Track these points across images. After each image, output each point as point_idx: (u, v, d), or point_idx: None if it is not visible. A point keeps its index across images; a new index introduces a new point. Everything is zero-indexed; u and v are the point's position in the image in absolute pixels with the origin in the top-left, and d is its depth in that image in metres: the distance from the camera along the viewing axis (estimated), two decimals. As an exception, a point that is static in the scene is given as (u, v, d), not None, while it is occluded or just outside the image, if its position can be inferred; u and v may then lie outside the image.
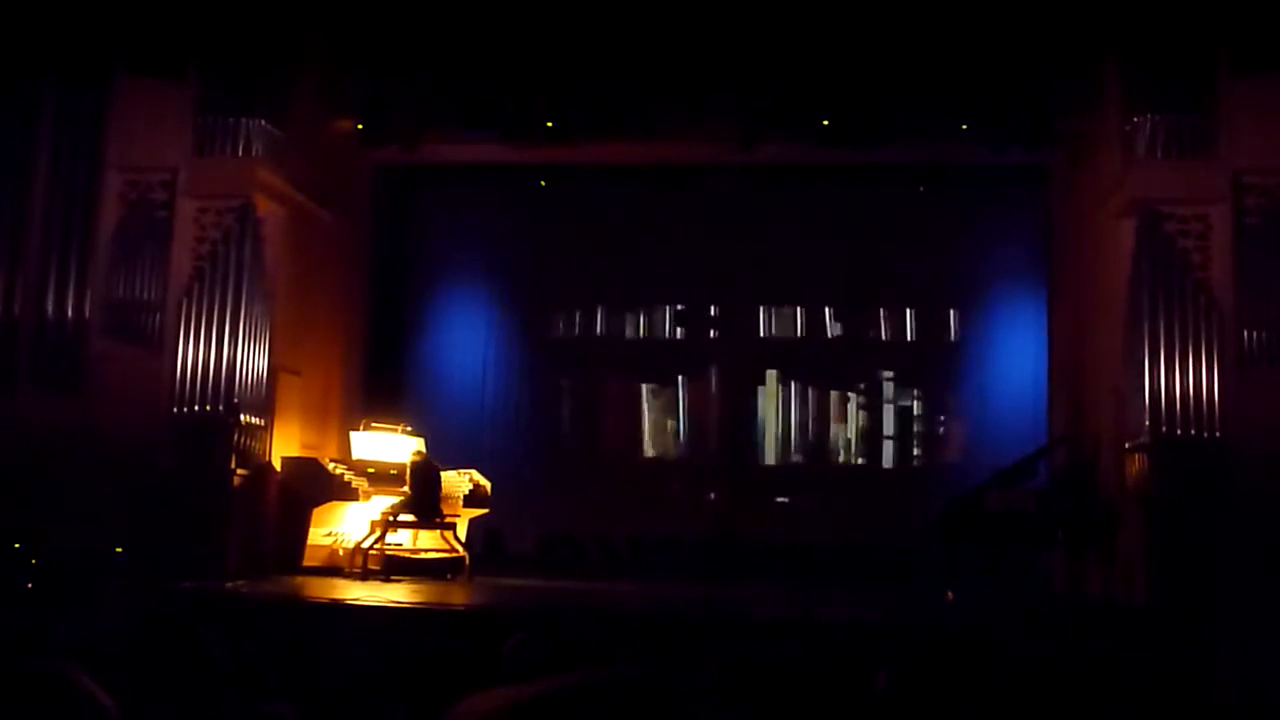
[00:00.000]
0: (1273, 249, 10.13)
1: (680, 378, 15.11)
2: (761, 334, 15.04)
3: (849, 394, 14.73)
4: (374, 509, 11.18)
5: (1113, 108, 10.92)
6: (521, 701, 1.11)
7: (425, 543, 11.56)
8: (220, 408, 10.73)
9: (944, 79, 11.75)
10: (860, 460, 14.61)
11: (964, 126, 11.94)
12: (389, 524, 10.89)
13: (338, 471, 11.51)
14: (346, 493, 11.41)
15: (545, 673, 1.18)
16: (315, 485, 11.49)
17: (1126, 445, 10.41)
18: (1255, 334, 10.12)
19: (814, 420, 14.75)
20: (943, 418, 14.53)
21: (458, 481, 11.83)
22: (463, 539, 11.58)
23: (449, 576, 11.13)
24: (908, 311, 14.75)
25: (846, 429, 14.72)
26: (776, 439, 14.84)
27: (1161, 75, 10.31)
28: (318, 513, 11.46)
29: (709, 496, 14.74)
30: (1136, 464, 10.25)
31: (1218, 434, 9.92)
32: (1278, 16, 10.12)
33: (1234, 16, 10.34)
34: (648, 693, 1.11)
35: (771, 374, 14.92)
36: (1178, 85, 10.29)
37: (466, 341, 15.11)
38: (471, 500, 11.96)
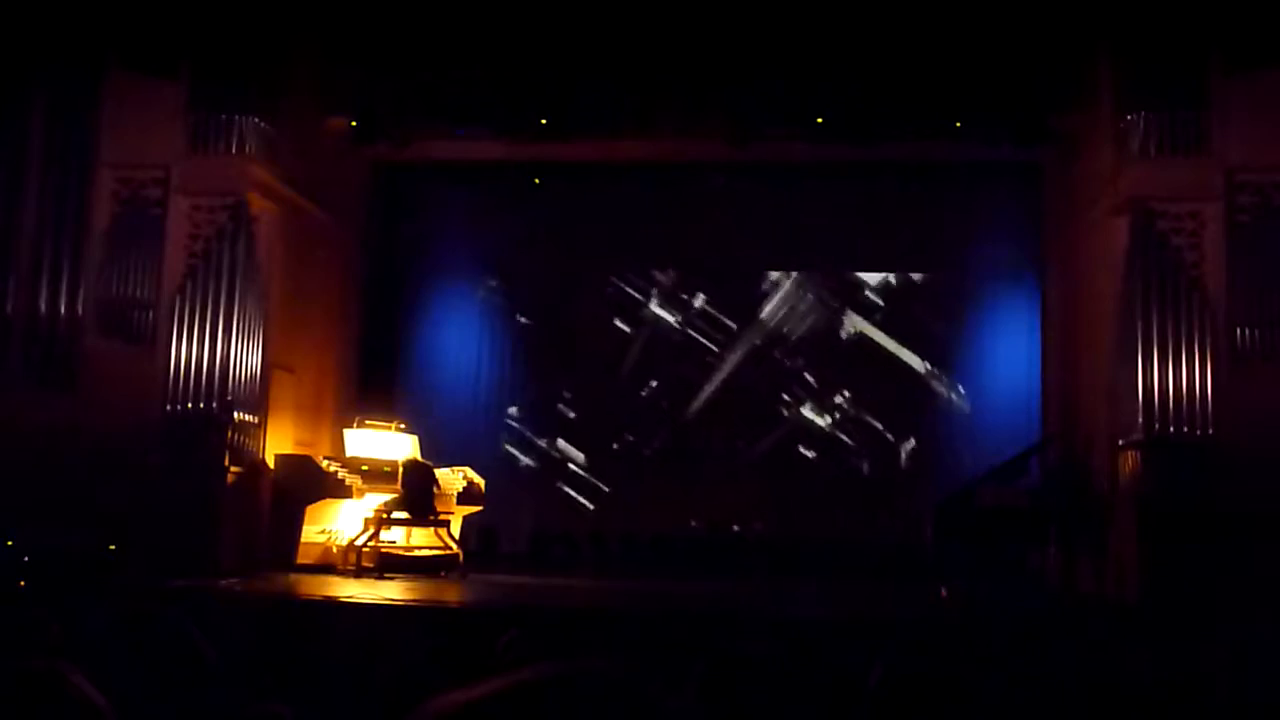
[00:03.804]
0: (1265, 247, 10.16)
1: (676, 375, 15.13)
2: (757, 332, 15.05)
3: (843, 390, 14.73)
4: (367, 506, 11.17)
5: (1106, 105, 10.93)
6: (481, 699, 1.11)
7: (419, 540, 11.55)
8: (214, 405, 10.73)
9: (938, 76, 11.76)
10: (854, 457, 14.62)
11: (957, 124, 11.95)
12: (383, 521, 10.89)
13: (331, 469, 11.50)
14: (340, 490, 11.41)
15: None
16: (309, 482, 11.48)
17: (1119, 442, 10.43)
18: (1247, 331, 10.15)
19: (810, 417, 14.76)
20: (936, 414, 14.52)
21: (451, 479, 11.83)
22: (456, 536, 11.58)
23: (443, 574, 11.13)
24: (902, 308, 14.75)
25: (842, 425, 14.72)
26: (772, 434, 14.84)
27: (1155, 73, 10.33)
28: (311, 510, 11.45)
29: (705, 490, 14.76)
30: (1129, 461, 10.27)
31: (1210, 431, 9.94)
32: (1270, 14, 10.14)
33: (1227, 14, 10.35)
34: (609, 686, 1.11)
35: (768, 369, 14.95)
36: (1171, 83, 10.30)
37: (460, 338, 15.10)
38: (465, 498, 11.97)
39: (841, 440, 14.66)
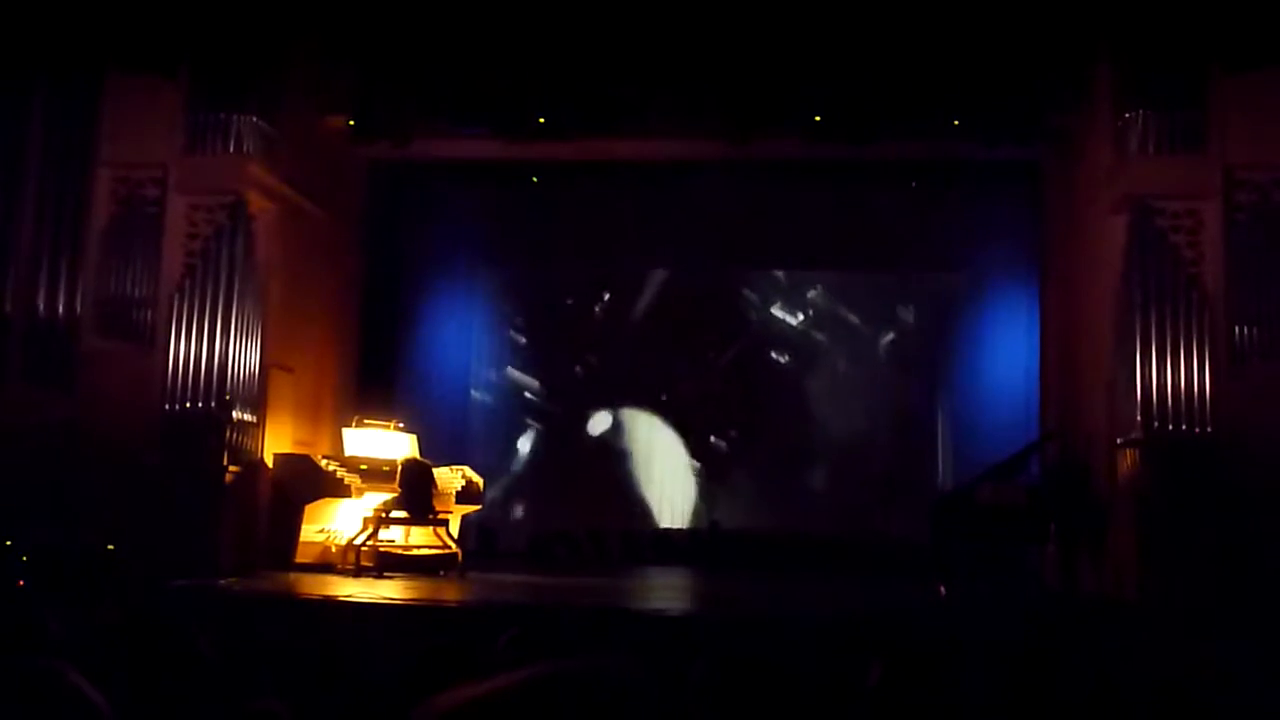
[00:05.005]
0: (1264, 244, 10.16)
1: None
2: (755, 329, 15.05)
3: (841, 388, 14.73)
4: (366, 505, 11.17)
5: (1105, 104, 10.93)
6: (484, 697, 1.11)
7: (418, 539, 11.55)
8: (212, 404, 10.72)
9: (937, 75, 11.76)
10: (854, 455, 14.61)
11: (956, 122, 11.95)
12: (381, 520, 10.89)
13: (330, 468, 11.50)
14: (339, 489, 11.40)
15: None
16: (307, 482, 11.47)
17: (1118, 440, 10.43)
18: (1246, 329, 10.15)
19: (807, 415, 14.75)
20: (935, 412, 14.53)
21: (450, 478, 11.83)
22: (455, 535, 11.58)
23: (442, 573, 11.13)
24: (900, 307, 14.77)
25: (840, 424, 14.71)
26: (770, 433, 14.83)
27: (1153, 71, 10.32)
28: (310, 509, 11.45)
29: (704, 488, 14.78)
30: (1128, 459, 10.27)
31: (1209, 429, 9.94)
32: (1269, 14, 10.14)
33: (1226, 13, 10.36)
34: (609, 685, 1.11)
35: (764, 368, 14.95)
36: (1170, 81, 10.30)
37: (459, 338, 15.11)
38: (464, 497, 11.97)
39: (841, 437, 14.64)
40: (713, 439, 14.83)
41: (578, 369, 15.10)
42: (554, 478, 14.84)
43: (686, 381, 14.83)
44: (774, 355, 14.89)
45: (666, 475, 14.89)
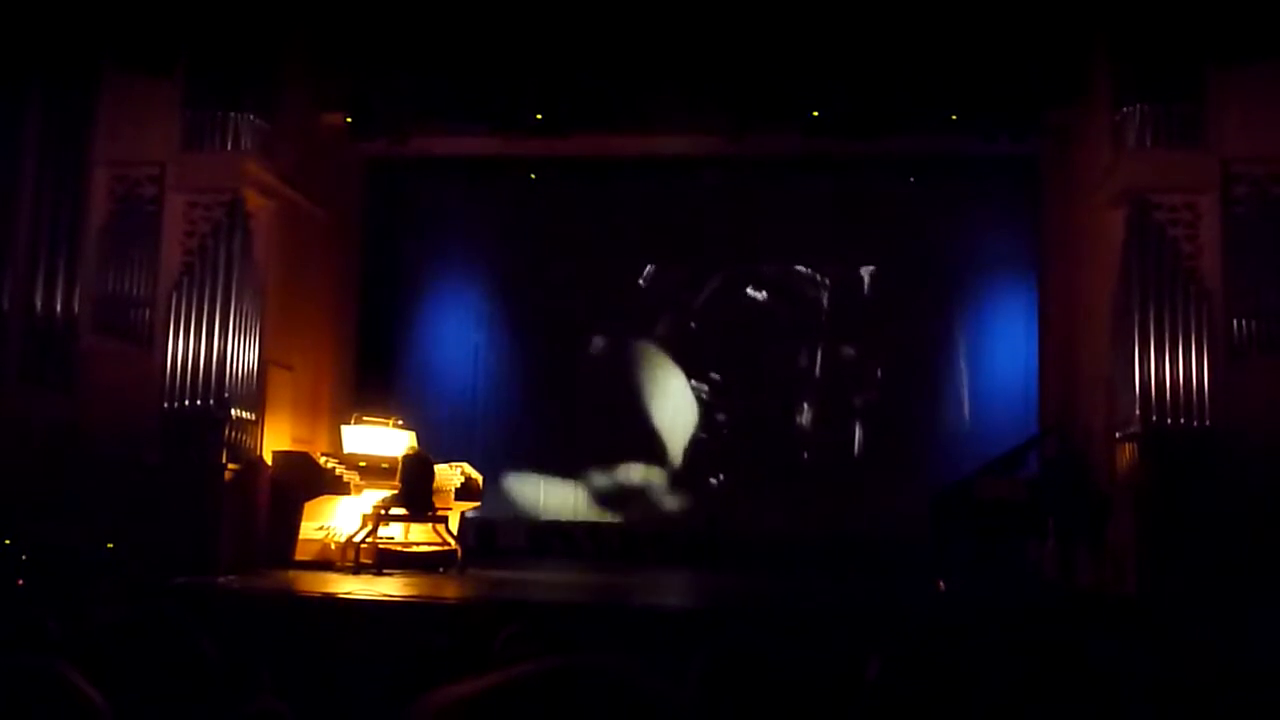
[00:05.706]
0: (1262, 238, 10.16)
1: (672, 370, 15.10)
2: (753, 325, 15.02)
3: (841, 384, 14.70)
4: (365, 502, 11.18)
5: (1102, 98, 10.94)
6: (481, 693, 1.11)
7: (417, 536, 11.56)
8: (211, 403, 10.72)
9: (934, 70, 11.76)
10: (852, 450, 14.60)
11: (954, 118, 11.95)
12: (381, 517, 10.89)
13: (329, 465, 11.51)
14: (338, 486, 11.41)
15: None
16: (307, 479, 11.48)
17: (1117, 434, 10.44)
18: (1244, 322, 10.15)
19: (806, 411, 14.73)
20: (933, 407, 14.50)
21: (449, 474, 11.83)
22: (454, 532, 11.58)
23: (441, 569, 11.13)
24: (899, 303, 14.74)
25: (839, 419, 14.69)
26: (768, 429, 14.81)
27: (1150, 65, 10.32)
28: (309, 507, 11.46)
29: (706, 485, 14.74)
30: (1127, 453, 10.28)
31: (1207, 423, 9.95)
32: (1265, 7, 10.13)
33: (1222, 6, 10.35)
34: (609, 680, 1.11)
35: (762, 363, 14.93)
36: (1166, 75, 10.30)
37: (457, 334, 15.10)
38: (463, 493, 11.97)
39: (840, 433, 14.58)
40: (693, 383, 14.80)
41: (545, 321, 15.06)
42: (554, 475, 14.82)
43: (663, 323, 14.85)
44: (750, 292, 14.83)
45: (663, 411, 14.86)
